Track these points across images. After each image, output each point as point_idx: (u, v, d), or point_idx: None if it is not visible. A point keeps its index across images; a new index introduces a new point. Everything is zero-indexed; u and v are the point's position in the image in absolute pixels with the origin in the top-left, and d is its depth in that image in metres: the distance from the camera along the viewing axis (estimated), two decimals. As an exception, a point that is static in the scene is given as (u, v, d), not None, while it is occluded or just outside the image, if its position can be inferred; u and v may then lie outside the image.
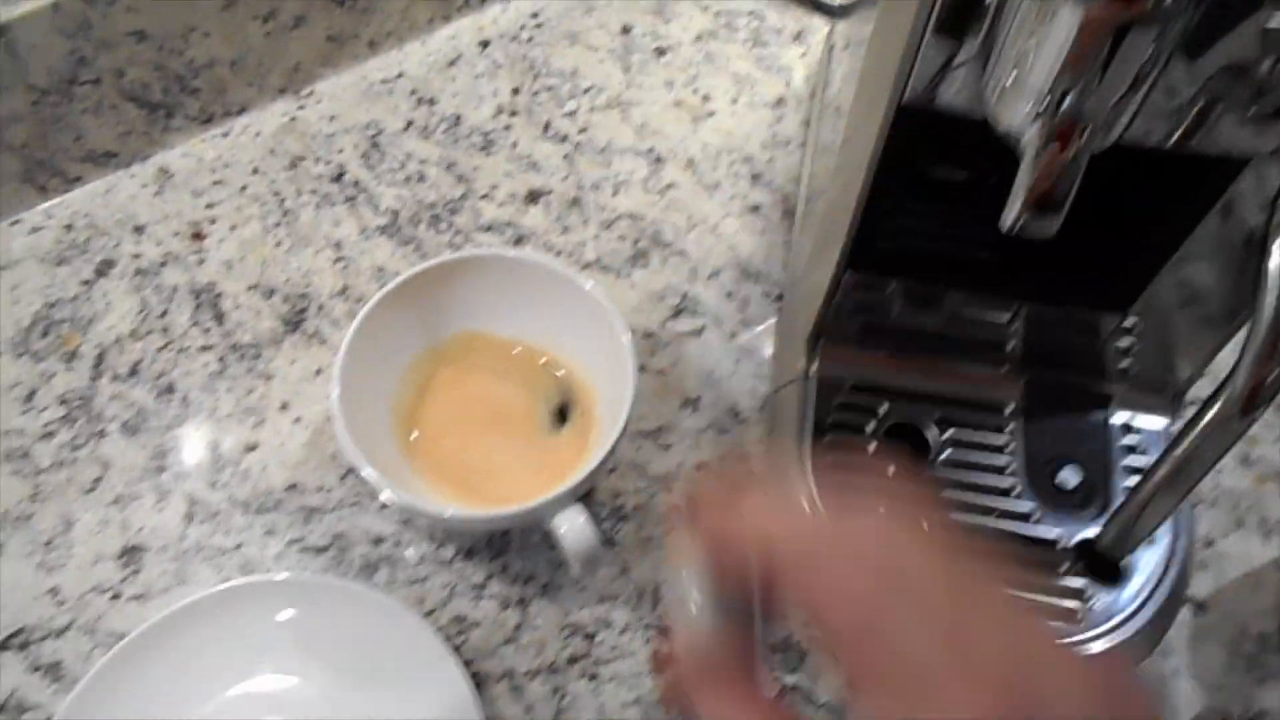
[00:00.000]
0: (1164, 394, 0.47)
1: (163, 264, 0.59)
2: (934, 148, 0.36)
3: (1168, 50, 0.27)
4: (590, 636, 0.47)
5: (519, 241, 0.59)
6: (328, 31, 0.63)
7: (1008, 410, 0.47)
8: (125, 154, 0.61)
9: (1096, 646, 0.42)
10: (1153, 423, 0.47)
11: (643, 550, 0.49)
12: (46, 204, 0.60)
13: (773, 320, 0.56)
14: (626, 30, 0.67)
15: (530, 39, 0.67)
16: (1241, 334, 0.36)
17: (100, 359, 0.55)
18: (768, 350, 0.55)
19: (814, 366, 0.48)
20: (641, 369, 0.55)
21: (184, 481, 0.51)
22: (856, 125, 0.38)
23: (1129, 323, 0.49)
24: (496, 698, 0.46)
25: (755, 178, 0.61)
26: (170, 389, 0.54)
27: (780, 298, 0.57)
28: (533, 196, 0.61)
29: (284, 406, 0.54)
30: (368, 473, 0.44)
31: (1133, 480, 0.43)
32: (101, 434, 0.53)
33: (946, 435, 0.47)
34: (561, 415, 0.51)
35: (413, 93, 0.65)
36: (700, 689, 0.29)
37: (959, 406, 0.47)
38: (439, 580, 0.49)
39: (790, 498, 0.40)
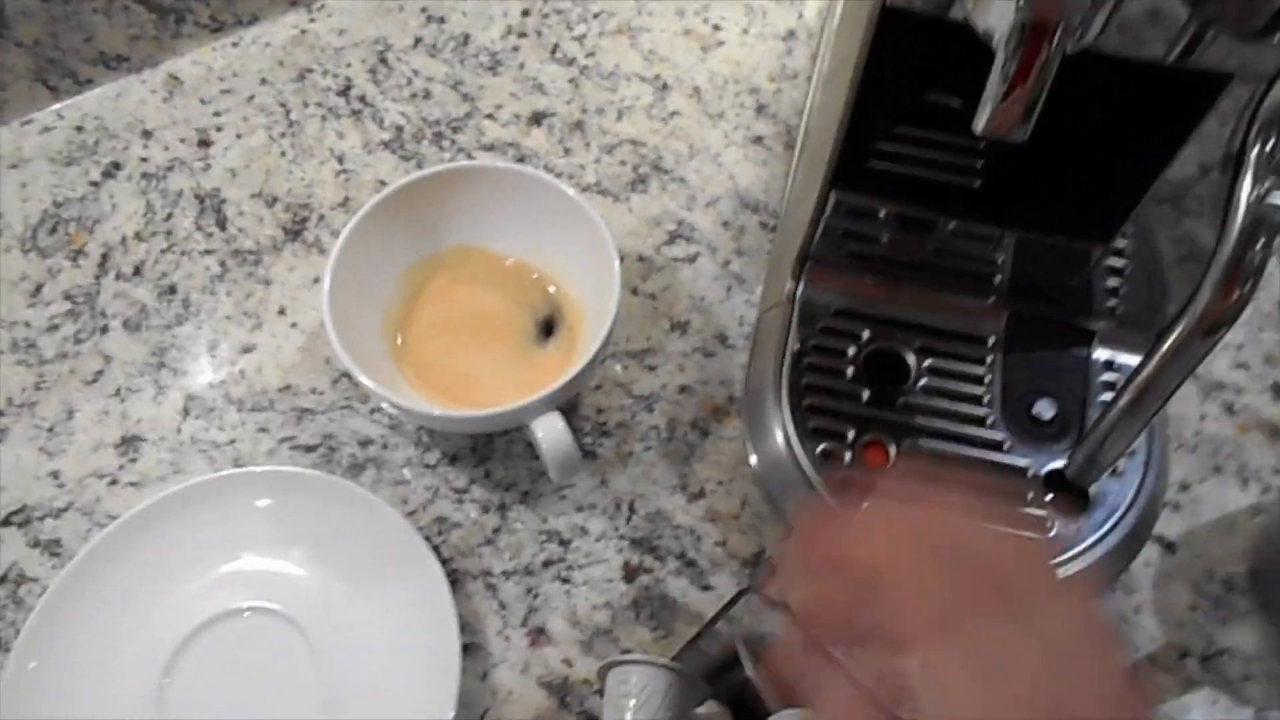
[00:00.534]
0: (1147, 333, 0.47)
1: (169, 169, 0.60)
2: (918, 57, 0.36)
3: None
4: (565, 543, 0.49)
5: (520, 162, 0.59)
6: (340, -56, 0.63)
7: (989, 342, 0.47)
8: (136, 58, 0.62)
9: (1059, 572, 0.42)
10: (1134, 361, 0.47)
11: (622, 465, 0.50)
12: (58, 105, 0.61)
13: (768, 249, 0.56)
14: (639, -44, 0.67)
15: (542, -39, 0.67)
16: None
17: (105, 258, 0.56)
18: (760, 280, 0.56)
19: (799, 290, 0.48)
20: (633, 291, 0.55)
21: (182, 378, 0.53)
22: (845, 37, 0.38)
23: (1117, 262, 0.49)
24: (472, 594, 0.47)
25: (760, 109, 0.61)
26: (172, 289, 0.56)
27: (776, 229, 0.57)
28: (536, 118, 0.61)
29: (281, 311, 0.55)
30: (341, 355, 0.45)
31: (1108, 415, 0.44)
32: (104, 329, 0.54)
33: (926, 363, 0.47)
34: (548, 329, 0.52)
35: (423, 10, 0.65)
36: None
37: (941, 336, 0.48)
38: (422, 483, 0.50)
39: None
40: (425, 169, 0.51)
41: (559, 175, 0.59)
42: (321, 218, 0.58)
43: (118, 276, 0.56)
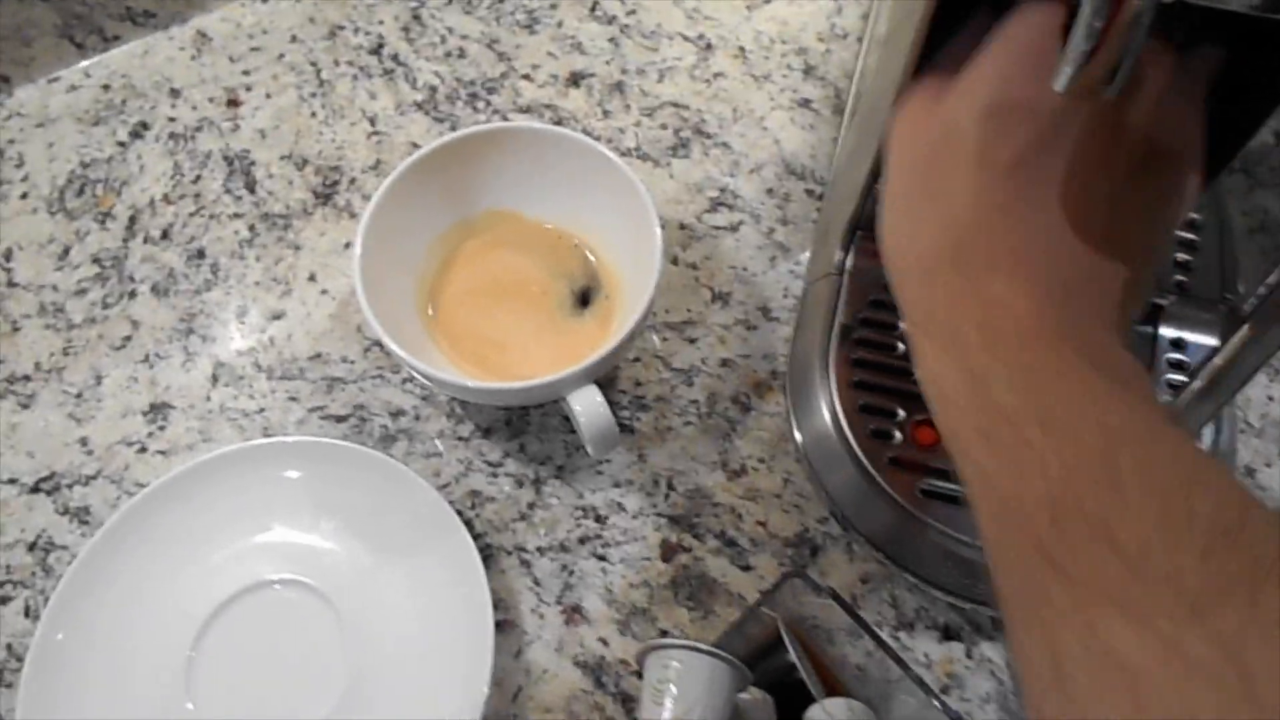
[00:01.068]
0: (1216, 310, 0.45)
1: (198, 129, 0.58)
2: (985, 14, 0.34)
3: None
4: (602, 519, 0.47)
5: (557, 124, 0.57)
6: (372, -103, 0.61)
7: (1049, 318, 0.45)
8: (164, 15, 0.61)
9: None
10: (1202, 340, 0.45)
11: (660, 440, 0.49)
12: (85, 63, 0.60)
13: (814, 218, 0.54)
14: (682, -90, 0.64)
15: (581, -85, 0.64)
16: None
17: (133, 220, 0.55)
18: (805, 249, 0.54)
19: (849, 261, 0.46)
20: (674, 261, 0.53)
21: (211, 345, 0.52)
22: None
23: (1187, 234, 0.47)
24: (506, 570, 0.46)
25: (808, 71, 0.59)
26: (201, 254, 0.54)
27: (823, 197, 0.55)
28: (574, 79, 0.59)
29: (312, 277, 0.54)
30: (373, 323, 0.43)
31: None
32: (133, 294, 0.53)
33: (981, 339, 0.45)
34: (584, 299, 0.50)
35: (457, -34, 0.63)
36: None
37: (998, 311, 0.45)
38: (455, 456, 0.49)
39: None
40: (459, 131, 0.49)
41: (597, 138, 0.57)
42: (353, 181, 0.57)
43: (146, 240, 0.55)
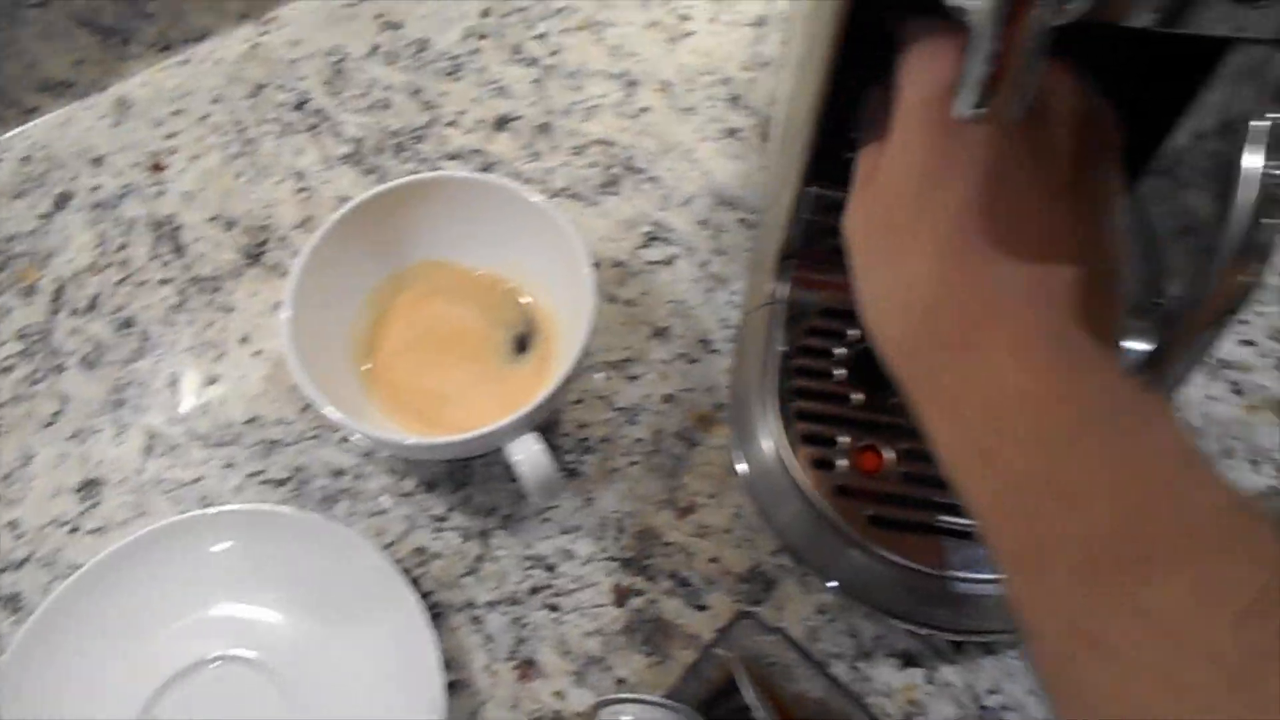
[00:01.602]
0: (1147, 314, 0.45)
1: (122, 196, 0.57)
2: (892, 37, 0.34)
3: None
4: (551, 568, 0.46)
5: (486, 169, 0.57)
6: (287, -48, 0.61)
7: (984, 334, 0.45)
8: (82, 84, 0.60)
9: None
10: (1133, 345, 0.45)
11: (607, 482, 0.48)
12: (4, 136, 0.59)
13: (748, 248, 0.54)
14: (600, -52, 0.64)
15: (500, -41, 0.64)
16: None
17: (59, 293, 0.54)
18: (741, 279, 0.53)
19: (783, 290, 0.46)
20: (610, 299, 0.53)
21: (143, 415, 0.51)
22: (812, 20, 0.35)
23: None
24: (457, 628, 0.45)
25: (734, 100, 0.59)
26: (129, 323, 0.53)
27: (756, 226, 0.55)
28: (501, 123, 0.59)
29: (244, 339, 0.53)
30: (305, 386, 0.43)
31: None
32: (60, 368, 0.52)
33: (919, 360, 0.45)
34: (522, 344, 0.49)
35: (378, 16, 0.62)
36: None
37: (933, 330, 0.45)
38: (399, 513, 0.48)
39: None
40: (384, 184, 0.48)
41: (527, 181, 0.57)
42: (282, 239, 0.56)
43: (72, 312, 0.54)
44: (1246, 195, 0.29)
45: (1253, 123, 0.29)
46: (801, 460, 0.43)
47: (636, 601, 0.46)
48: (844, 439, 0.43)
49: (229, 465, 0.49)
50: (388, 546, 0.47)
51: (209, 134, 0.59)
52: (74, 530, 0.47)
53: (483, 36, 0.61)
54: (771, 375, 0.45)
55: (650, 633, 0.45)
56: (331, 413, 0.42)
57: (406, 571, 0.46)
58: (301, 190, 0.57)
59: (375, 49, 0.61)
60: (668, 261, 0.54)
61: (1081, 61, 0.33)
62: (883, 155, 0.33)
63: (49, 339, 0.53)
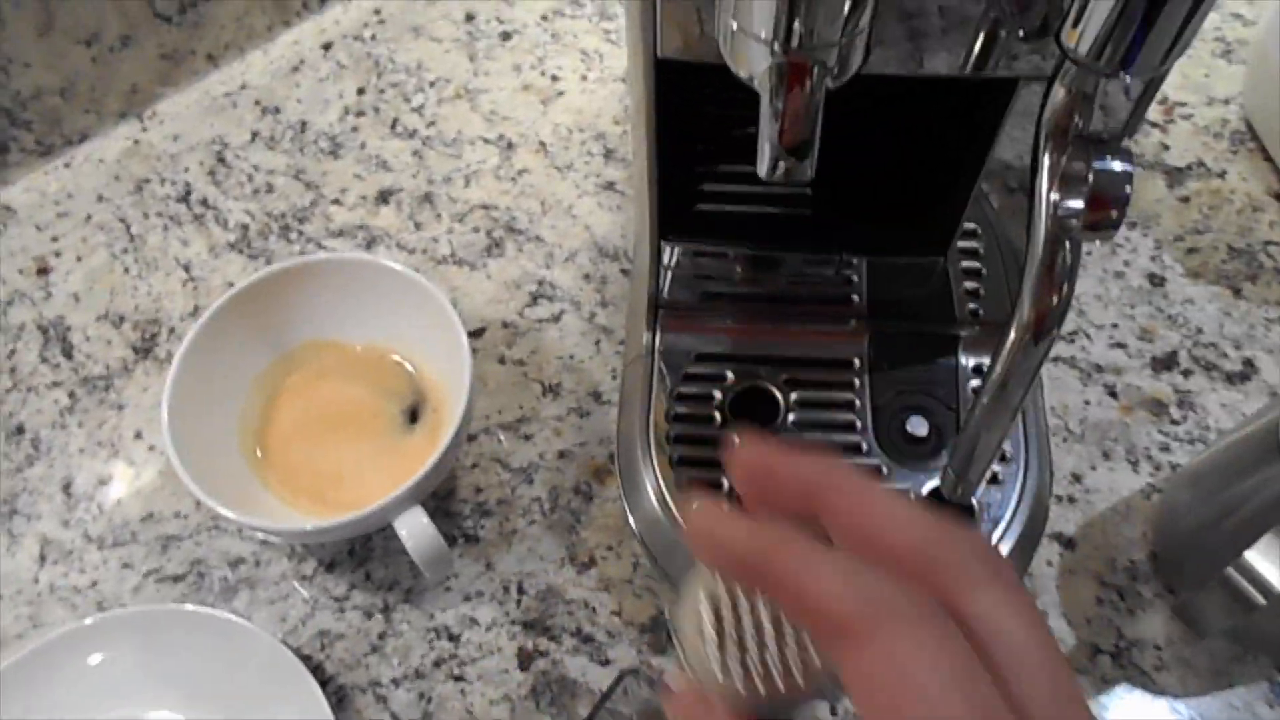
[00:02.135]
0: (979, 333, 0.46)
1: (9, 303, 0.57)
2: (708, 100, 0.35)
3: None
4: (455, 638, 0.46)
5: (371, 244, 0.58)
6: (159, 50, 0.61)
7: (855, 365, 0.46)
8: (-38, 194, 0.60)
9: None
10: (974, 362, 0.46)
11: (506, 544, 0.48)
12: (-117, 253, 0.58)
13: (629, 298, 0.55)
14: (470, 18, 0.66)
15: (373, 36, 0.65)
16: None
17: (-55, 406, 0.54)
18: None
19: (657, 339, 0.47)
20: (500, 360, 0.54)
21: (36, 523, 0.50)
22: (636, 88, 0.37)
23: (972, 263, 0.49)
24: (362, 709, 0.45)
25: (609, 154, 0.60)
26: (20, 429, 0.53)
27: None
28: (383, 196, 0.59)
29: (138, 435, 0.53)
30: (190, 485, 0.42)
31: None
32: (-51, 483, 0.51)
33: (794, 397, 0.46)
34: (413, 415, 0.50)
35: (257, 103, 0.63)
36: None
37: (806, 366, 0.46)
38: (301, 596, 0.48)
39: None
40: (260, 271, 0.49)
41: (412, 252, 0.57)
42: (172, 330, 0.56)
43: (-40, 425, 0.53)
44: (1043, 227, 0.30)
45: (1044, 158, 0.30)
46: (684, 508, 0.43)
47: (541, 663, 0.46)
48: (727, 482, 0.44)
49: (126, 565, 0.49)
50: (291, 632, 0.47)
51: (94, 233, 0.59)
52: (-32, 649, 0.47)
53: (360, 114, 0.62)
54: (652, 425, 0.45)
55: (556, 694, 0.45)
56: (221, 509, 0.42)
57: (309, 657, 0.46)
58: (189, 281, 0.57)
59: (255, 135, 0.62)
60: (555, 318, 0.55)
61: (892, 109, 0.35)
62: None
63: (-62, 455, 0.52)
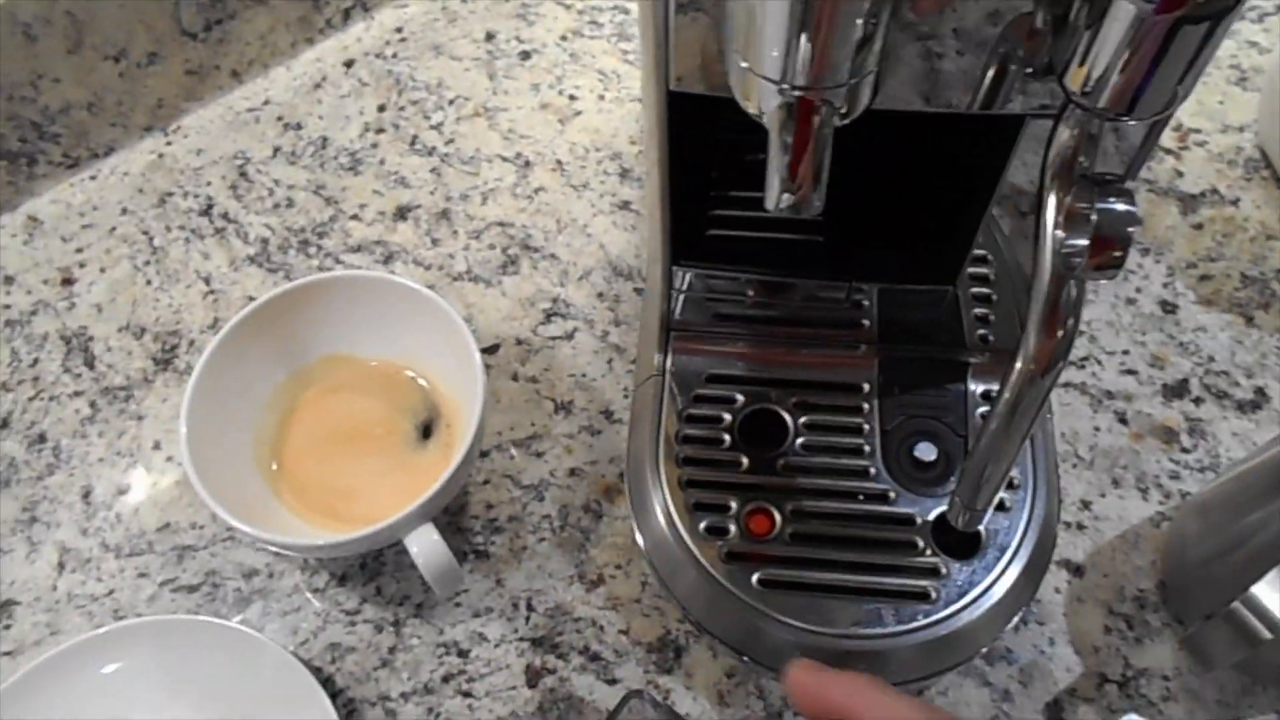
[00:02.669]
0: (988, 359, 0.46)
1: (33, 313, 0.58)
2: (720, 130, 0.36)
3: (885, 13, 0.27)
4: (464, 653, 0.47)
5: (388, 259, 0.59)
6: (185, 66, 0.62)
7: (864, 390, 0.47)
8: (-10, 205, 0.61)
9: (954, 624, 0.41)
10: (983, 389, 0.46)
11: (516, 561, 0.49)
12: (-87, 262, 0.60)
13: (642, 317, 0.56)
14: (490, 37, 0.67)
15: (395, 54, 0.66)
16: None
17: (-30, 414, 0.55)
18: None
19: (668, 360, 0.48)
20: (513, 377, 0.54)
21: (55, 531, 0.51)
22: (648, 117, 0.37)
23: (983, 290, 0.49)
24: (371, 723, 0.45)
25: (624, 173, 0.61)
26: (41, 438, 0.54)
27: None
28: (401, 212, 0.60)
29: (156, 446, 0.54)
30: (205, 497, 0.43)
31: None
32: (-28, 490, 0.52)
33: (803, 420, 0.46)
34: (426, 430, 0.50)
35: (279, 119, 0.64)
36: None
37: (815, 390, 0.47)
38: (312, 609, 0.48)
39: None
40: (278, 288, 0.50)
41: (428, 268, 0.58)
42: (192, 342, 0.57)
43: (-16, 433, 0.54)
44: (1048, 262, 0.30)
45: (1049, 197, 0.30)
46: (694, 529, 0.44)
47: (549, 680, 0.46)
48: (734, 504, 0.44)
49: (142, 575, 0.50)
50: (302, 644, 0.47)
51: (118, 245, 0.60)
52: (-13, 654, 0.48)
53: (380, 130, 0.63)
54: (662, 445, 0.46)
55: (563, 712, 0.45)
56: (235, 523, 0.43)
57: (320, 669, 0.47)
58: (210, 294, 0.58)
59: (277, 150, 0.63)
60: (568, 336, 0.55)
61: (902, 141, 0.35)
62: None
63: (-38, 462, 0.53)
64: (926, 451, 0.45)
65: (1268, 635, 0.37)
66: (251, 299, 0.58)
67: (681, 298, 0.48)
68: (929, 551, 0.43)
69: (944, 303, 0.46)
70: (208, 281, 0.59)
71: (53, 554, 0.50)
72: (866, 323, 0.48)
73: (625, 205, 0.60)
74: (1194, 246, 0.57)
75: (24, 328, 0.58)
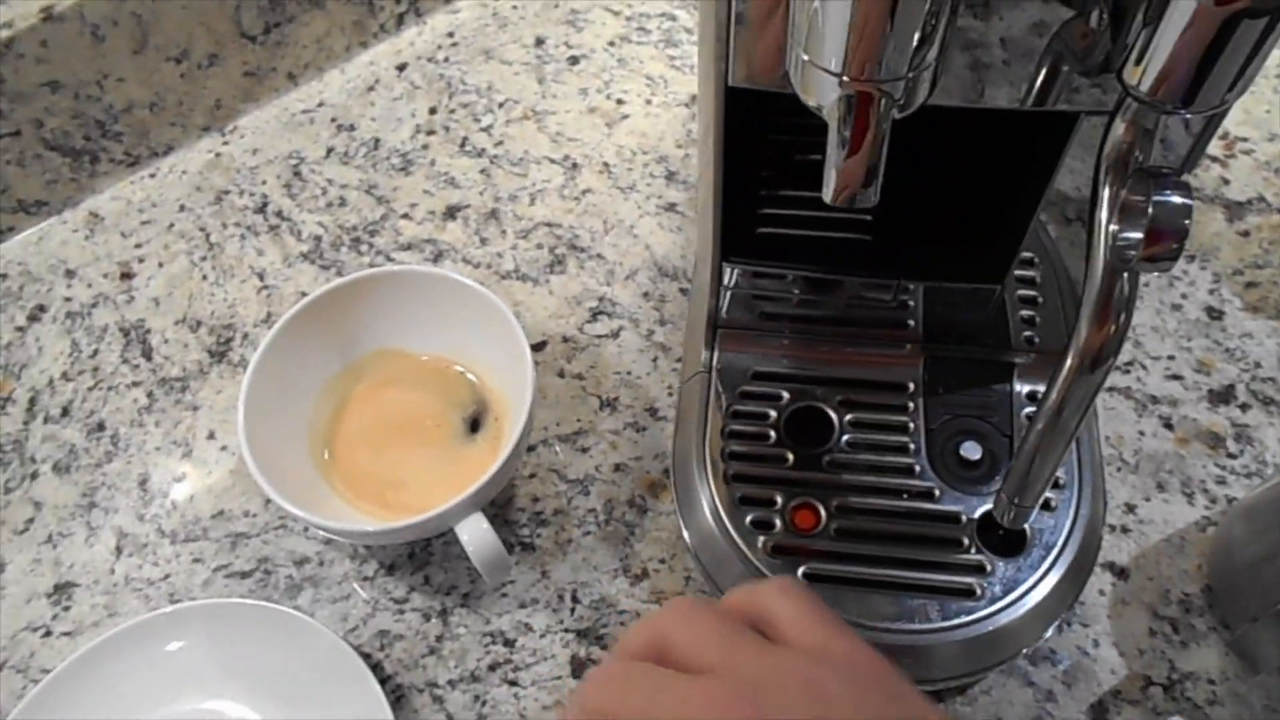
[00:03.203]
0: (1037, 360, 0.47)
1: (93, 305, 0.60)
2: (775, 127, 0.36)
3: (946, 7, 0.27)
4: (510, 643, 0.48)
5: (438, 257, 0.60)
6: (244, 67, 0.64)
7: (910, 389, 0.47)
8: (55, 201, 0.63)
9: (998, 621, 0.41)
10: (1029, 389, 0.47)
11: (561, 554, 0.50)
12: (-20, 256, 0.62)
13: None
14: (540, 42, 0.68)
15: (446, 59, 0.68)
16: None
17: (33, 402, 0.56)
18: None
19: (715, 357, 0.48)
20: (560, 374, 0.55)
21: (114, 516, 0.52)
22: (705, 114, 0.38)
23: (1029, 292, 0.49)
24: (419, 709, 0.46)
25: (670, 176, 0.62)
26: (100, 426, 0.55)
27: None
28: (451, 212, 0.61)
29: (211, 435, 0.55)
30: (261, 482, 0.44)
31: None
32: (34, 475, 0.54)
33: (849, 418, 0.46)
34: (474, 424, 0.51)
35: (333, 120, 0.66)
36: None
37: (861, 388, 0.47)
38: (362, 597, 0.49)
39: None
40: (333, 281, 0.51)
41: (477, 266, 0.59)
42: (245, 336, 0.58)
43: (46, 419, 0.56)
44: (1101, 257, 0.30)
45: (1104, 190, 0.31)
46: (739, 523, 0.44)
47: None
48: (780, 499, 0.45)
49: (197, 560, 0.51)
50: (351, 631, 0.48)
51: (175, 241, 0.62)
52: (46, 634, 0.49)
53: (431, 132, 0.64)
54: (708, 441, 0.46)
55: (606, 701, 0.46)
56: (288, 506, 0.44)
57: (369, 655, 0.47)
58: (264, 289, 0.60)
59: (330, 151, 0.64)
60: (614, 334, 0.56)
61: (954, 140, 0.36)
62: None
63: (23, 447, 0.55)
64: (972, 450, 0.45)
65: (1319, 637, 0.37)
66: (304, 294, 0.59)
67: (729, 296, 0.48)
68: (974, 549, 0.43)
69: (990, 304, 0.47)
70: (262, 277, 0.60)
71: (111, 539, 0.52)
72: (912, 323, 0.48)
73: (671, 207, 0.60)
74: (1240, 253, 0.57)
75: (84, 320, 0.59)
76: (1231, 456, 0.50)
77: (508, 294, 0.58)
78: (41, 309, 0.60)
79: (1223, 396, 0.52)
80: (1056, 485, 0.44)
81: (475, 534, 0.44)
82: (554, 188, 0.62)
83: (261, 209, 0.63)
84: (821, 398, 0.47)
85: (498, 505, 0.51)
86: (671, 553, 0.49)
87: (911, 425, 0.46)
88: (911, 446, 0.46)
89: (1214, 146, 0.61)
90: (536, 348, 0.56)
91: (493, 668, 0.47)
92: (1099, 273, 0.31)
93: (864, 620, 0.41)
